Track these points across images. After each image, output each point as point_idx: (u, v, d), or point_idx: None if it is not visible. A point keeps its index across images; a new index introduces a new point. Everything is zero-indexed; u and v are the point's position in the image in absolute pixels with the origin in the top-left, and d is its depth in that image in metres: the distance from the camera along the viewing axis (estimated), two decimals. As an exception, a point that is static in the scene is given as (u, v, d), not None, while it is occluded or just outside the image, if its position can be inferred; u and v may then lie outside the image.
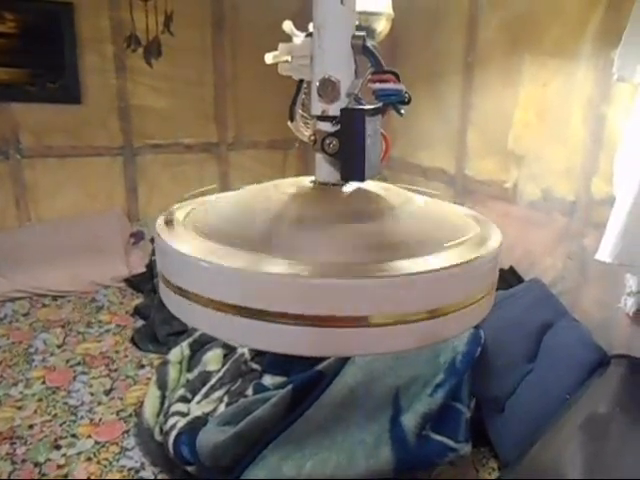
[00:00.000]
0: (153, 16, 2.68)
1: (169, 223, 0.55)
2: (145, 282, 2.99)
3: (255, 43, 3.49)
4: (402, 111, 0.53)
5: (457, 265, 0.44)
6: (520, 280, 2.26)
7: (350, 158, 0.51)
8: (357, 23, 0.56)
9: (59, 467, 1.71)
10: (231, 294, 0.43)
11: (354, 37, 0.52)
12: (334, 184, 0.56)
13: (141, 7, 2.69)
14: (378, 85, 0.51)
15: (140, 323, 2.67)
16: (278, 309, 0.42)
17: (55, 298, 2.90)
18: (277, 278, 0.42)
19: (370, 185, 0.56)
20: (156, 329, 2.49)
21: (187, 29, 3.17)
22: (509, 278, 2.26)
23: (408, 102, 0.52)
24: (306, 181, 0.58)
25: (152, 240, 3.31)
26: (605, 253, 1.66)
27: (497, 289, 0.54)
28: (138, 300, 2.90)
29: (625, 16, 1.72)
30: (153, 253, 3.10)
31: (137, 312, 2.77)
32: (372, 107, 0.51)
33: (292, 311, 0.42)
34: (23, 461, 1.72)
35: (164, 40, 2.75)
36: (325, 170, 0.56)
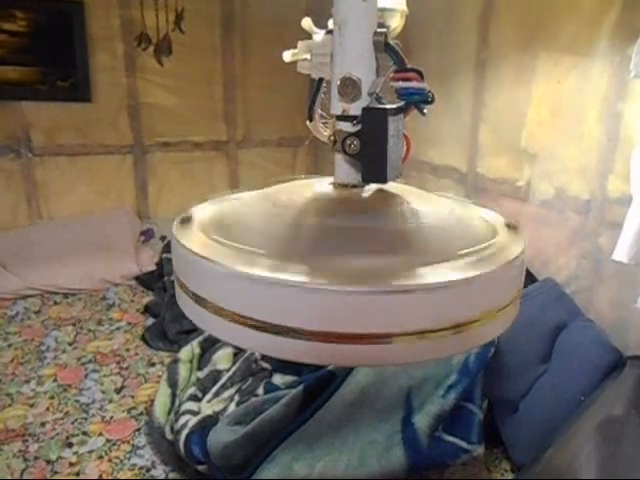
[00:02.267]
0: (163, 14, 2.67)
1: (185, 226, 0.53)
2: (155, 280, 3.00)
3: (265, 41, 3.49)
4: (425, 111, 0.52)
5: (485, 274, 0.42)
6: (533, 280, 2.23)
7: (372, 159, 0.50)
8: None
9: (71, 465, 1.71)
10: (248, 307, 0.42)
11: (376, 34, 0.51)
12: (354, 185, 0.55)
13: (151, 5, 2.68)
14: (401, 84, 0.50)
15: (150, 321, 2.67)
16: (296, 325, 0.40)
17: (66, 296, 2.91)
18: (296, 293, 0.40)
19: (392, 187, 0.55)
20: (166, 327, 2.49)
21: (197, 27, 3.16)
22: (522, 277, 2.24)
23: (432, 102, 0.50)
24: (325, 182, 0.57)
25: (162, 238, 3.32)
26: (622, 253, 1.64)
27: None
28: (148, 298, 2.91)
29: (643, 11, 1.69)
30: (163, 251, 3.10)
31: (147, 310, 2.77)
32: (395, 106, 0.50)
33: (310, 327, 0.40)
34: (35, 458, 1.73)
35: (174, 38, 2.74)
36: (344, 171, 0.55)
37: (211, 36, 3.42)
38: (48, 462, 1.72)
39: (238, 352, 2.08)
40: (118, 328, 2.62)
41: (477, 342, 0.45)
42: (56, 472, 1.68)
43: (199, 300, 0.47)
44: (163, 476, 1.69)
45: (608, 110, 1.95)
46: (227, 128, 3.63)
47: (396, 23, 0.72)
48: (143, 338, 2.52)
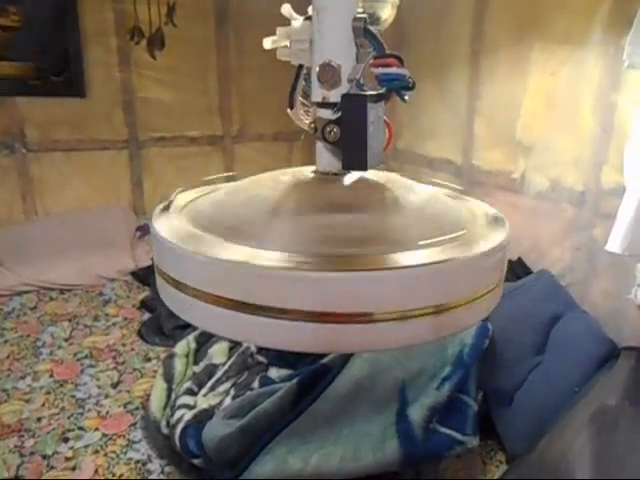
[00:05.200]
0: (156, 7, 2.65)
1: (165, 214, 0.53)
2: (151, 275, 2.94)
3: (259, 34, 3.46)
4: (406, 97, 0.51)
5: (465, 257, 0.42)
6: (528, 271, 2.23)
7: (352, 146, 0.49)
8: (361, 10, 0.54)
9: (67, 460, 1.72)
10: (228, 289, 0.42)
11: (355, 19, 0.50)
12: (335, 174, 0.54)
13: (144, -1, 2.66)
14: (380, 70, 0.49)
15: (147, 316, 2.67)
16: (277, 304, 0.40)
17: (62, 292, 2.91)
18: (276, 272, 0.40)
19: (373, 174, 0.55)
20: (162, 322, 2.49)
21: (190, 20, 3.14)
22: (517, 269, 2.24)
23: (412, 88, 0.49)
24: (307, 171, 0.56)
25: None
26: (615, 244, 1.64)
27: (505, 280, 0.52)
28: (145, 293, 2.91)
29: (636, 2, 1.68)
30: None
31: (144, 305, 2.77)
32: (374, 93, 0.49)
33: (292, 307, 0.40)
34: (31, 454, 1.73)
35: (167, 32, 2.72)
36: (326, 159, 0.54)
37: (204, 29, 3.40)
38: (44, 457, 1.72)
39: (234, 346, 2.08)
40: (114, 323, 2.62)
41: (458, 327, 0.45)
42: (52, 467, 1.69)
43: (181, 288, 0.47)
44: (159, 470, 1.69)
45: (602, 101, 1.95)
46: (222, 123, 3.62)
47: (387, 14, 0.71)
48: (139, 333, 2.52)
